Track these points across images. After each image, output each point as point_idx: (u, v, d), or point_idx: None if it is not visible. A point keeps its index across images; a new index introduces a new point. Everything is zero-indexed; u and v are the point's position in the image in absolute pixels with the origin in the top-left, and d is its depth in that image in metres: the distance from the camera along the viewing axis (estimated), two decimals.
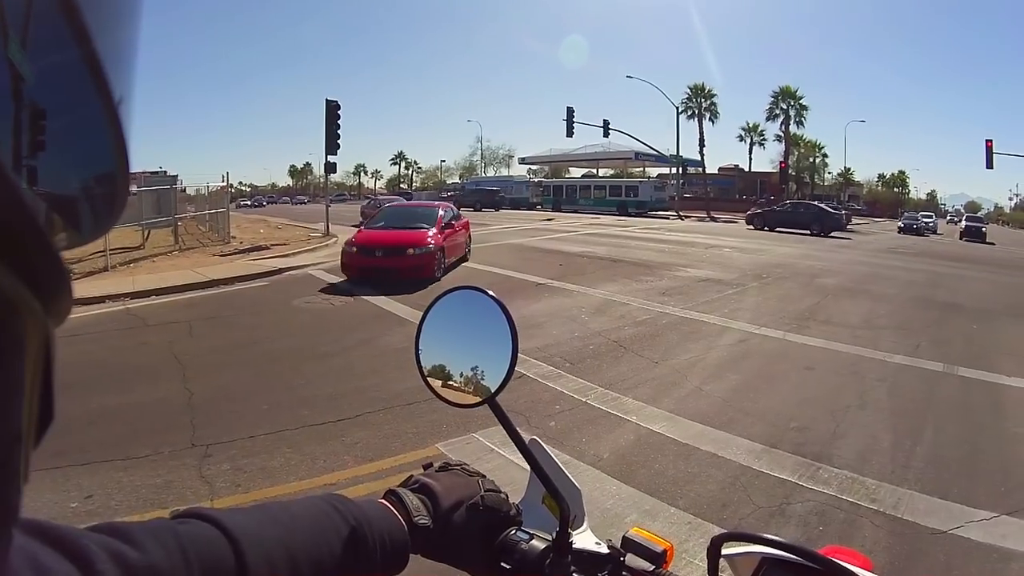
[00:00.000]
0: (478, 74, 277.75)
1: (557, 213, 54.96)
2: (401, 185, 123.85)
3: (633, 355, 9.35)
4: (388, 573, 0.96)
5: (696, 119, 75.49)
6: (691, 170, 76.84)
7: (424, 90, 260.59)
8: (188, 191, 31.10)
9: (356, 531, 0.91)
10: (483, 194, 59.43)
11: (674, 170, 68.86)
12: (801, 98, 78.11)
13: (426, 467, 1.18)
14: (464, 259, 18.91)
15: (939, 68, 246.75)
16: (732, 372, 8.63)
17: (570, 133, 52.32)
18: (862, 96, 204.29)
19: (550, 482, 1.09)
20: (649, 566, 1.10)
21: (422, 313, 1.16)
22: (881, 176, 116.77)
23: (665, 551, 1.10)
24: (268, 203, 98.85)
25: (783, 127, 79.43)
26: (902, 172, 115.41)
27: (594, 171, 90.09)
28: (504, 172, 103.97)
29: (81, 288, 12.63)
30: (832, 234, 39.19)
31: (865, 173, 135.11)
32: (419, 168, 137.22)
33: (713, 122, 77.21)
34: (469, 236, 20.04)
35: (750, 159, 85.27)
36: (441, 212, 18.00)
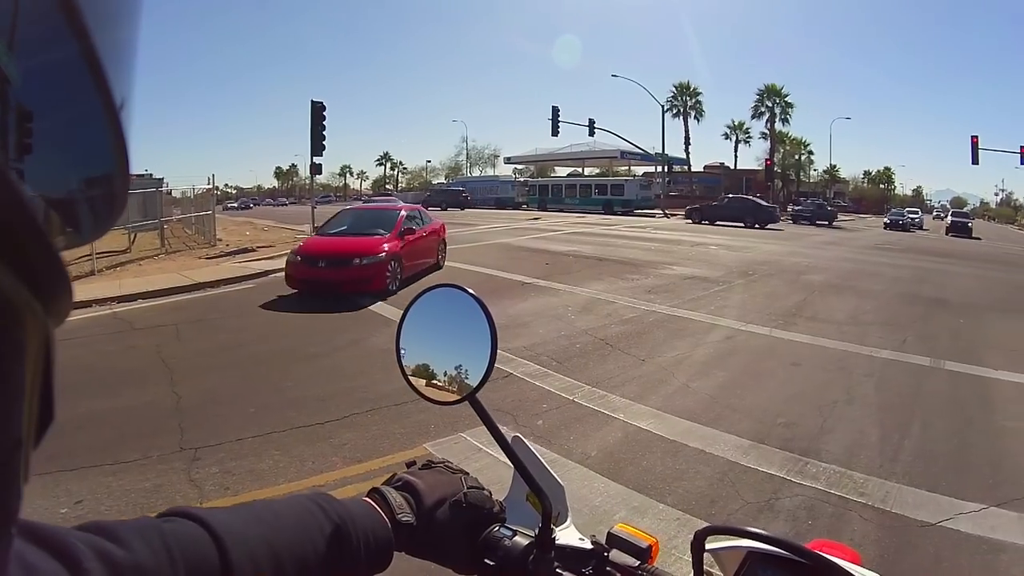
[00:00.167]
0: (464, 74, 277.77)
1: (543, 212, 55.24)
2: (387, 186, 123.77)
3: (620, 353, 9.36)
4: (372, 570, 0.96)
5: (682, 117, 75.86)
6: (677, 168, 77.16)
7: (409, 90, 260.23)
8: (174, 194, 31.02)
9: (340, 529, 0.91)
10: (448, 194, 64.25)
11: (660, 168, 68.92)
12: (786, 96, 78.47)
13: (409, 465, 1.18)
14: (436, 266, 17.40)
15: (924, 65, 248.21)
16: (719, 369, 8.65)
17: (555, 132, 52.40)
18: (848, 93, 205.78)
19: (531, 478, 1.10)
20: (634, 561, 1.10)
21: (402, 312, 1.16)
22: (867, 173, 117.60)
23: (650, 547, 1.11)
24: (254, 205, 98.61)
25: (768, 125, 79.72)
26: (888, 168, 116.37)
27: (580, 170, 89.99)
28: (490, 172, 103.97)
29: None
30: (768, 226, 41.96)
31: (851, 170, 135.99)
32: (405, 169, 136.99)
33: (699, 120, 77.72)
34: (443, 241, 18.40)
35: (736, 157, 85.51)
36: (403, 215, 16.31)
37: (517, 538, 1.10)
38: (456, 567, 1.10)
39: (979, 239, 45.83)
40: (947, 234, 48.88)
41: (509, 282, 15.39)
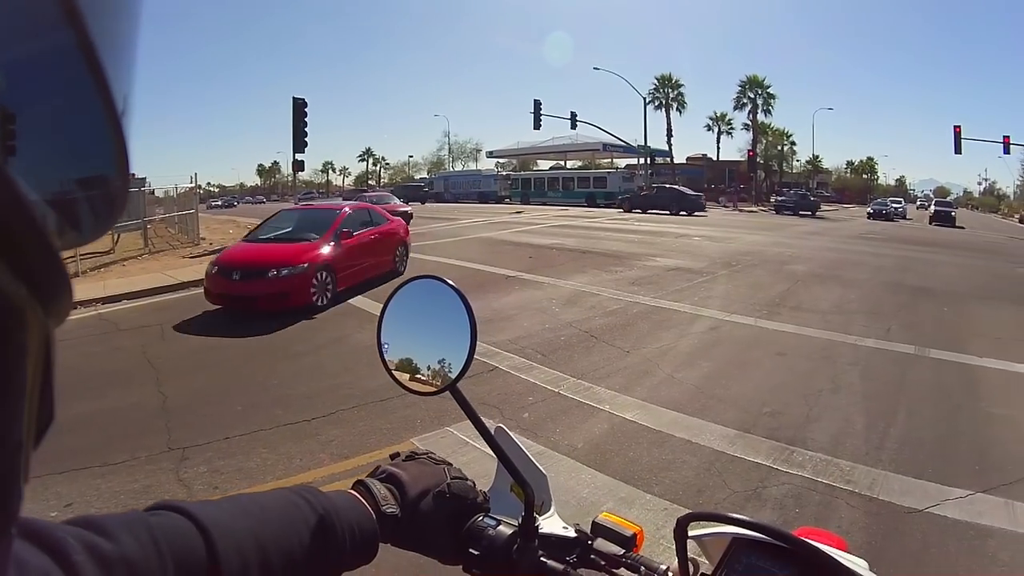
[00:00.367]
0: (446, 69, 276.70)
1: (526, 206, 55.76)
2: (369, 182, 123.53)
3: (605, 345, 9.39)
4: (359, 562, 0.97)
5: (664, 109, 75.72)
6: (659, 160, 77.07)
7: (391, 86, 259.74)
8: (156, 193, 30.77)
9: (325, 520, 0.92)
10: (408, 189, 68.13)
11: (642, 160, 68.99)
12: (769, 87, 78.45)
13: (393, 457, 1.19)
14: (394, 272, 15.34)
15: (907, 55, 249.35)
16: (704, 359, 8.69)
17: (537, 126, 52.33)
18: (830, 84, 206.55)
19: (514, 467, 1.11)
20: (619, 550, 1.11)
21: (383, 304, 1.17)
22: (850, 163, 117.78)
23: (635, 535, 1.12)
24: (237, 203, 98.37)
25: (751, 116, 79.73)
26: (871, 159, 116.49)
27: (562, 163, 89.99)
28: (472, 166, 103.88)
29: None
30: (695, 213, 44.31)
31: (834, 160, 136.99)
32: (387, 164, 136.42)
33: (681, 112, 77.48)
34: (402, 243, 16.25)
35: (718, 148, 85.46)
36: (345, 214, 14.28)
37: (501, 528, 1.10)
38: (441, 557, 1.11)
39: (962, 228, 46.15)
40: (930, 223, 49.17)
41: (493, 276, 15.39)
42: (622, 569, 1.10)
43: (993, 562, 4.27)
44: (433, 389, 1.09)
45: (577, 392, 7.38)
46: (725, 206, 60.79)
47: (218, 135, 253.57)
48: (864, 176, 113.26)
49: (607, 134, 63.77)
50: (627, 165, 75.40)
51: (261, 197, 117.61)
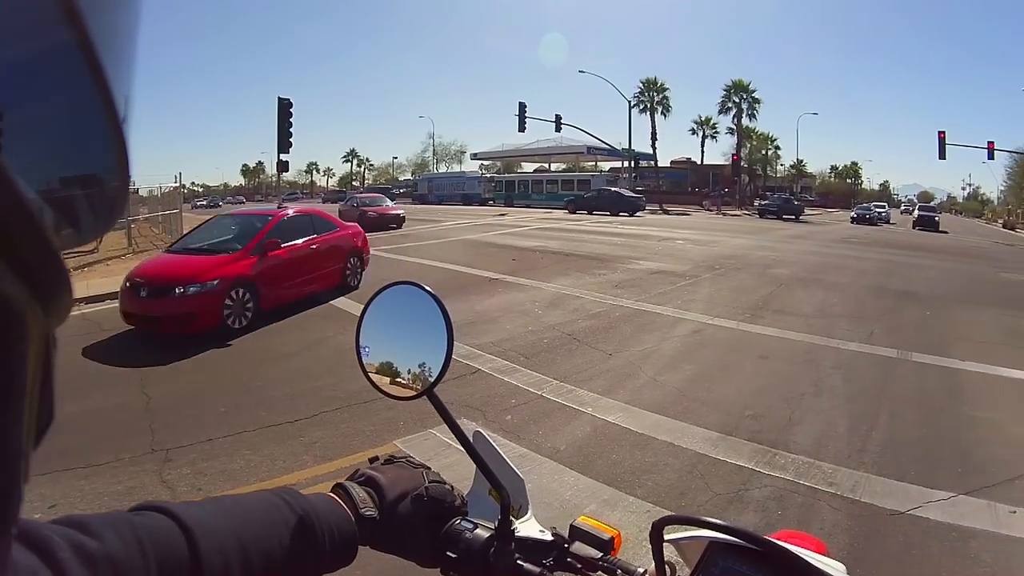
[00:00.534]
0: (431, 71, 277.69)
1: (509, 208, 55.96)
2: (353, 183, 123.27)
3: (587, 348, 9.40)
4: (338, 563, 0.98)
5: (648, 113, 75.60)
6: (643, 164, 77.26)
7: (376, 87, 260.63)
8: (141, 192, 30.66)
9: (304, 521, 0.93)
10: (375, 190, 72.90)
11: (626, 164, 69.11)
12: (753, 91, 78.48)
13: (372, 460, 1.20)
14: (344, 287, 13.70)
15: (891, 61, 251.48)
16: (687, 362, 8.72)
17: (522, 128, 52.32)
18: (815, 90, 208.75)
19: (490, 471, 1.12)
20: (597, 553, 1.12)
21: (361, 309, 1.18)
22: (834, 167, 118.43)
23: (612, 538, 1.12)
24: (222, 203, 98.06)
25: (735, 120, 79.74)
26: (855, 163, 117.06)
27: (546, 166, 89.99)
28: (456, 168, 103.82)
29: None
30: (636, 214, 46.59)
31: (818, 165, 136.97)
32: (371, 165, 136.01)
33: (665, 116, 77.25)
34: (356, 253, 14.49)
35: (702, 152, 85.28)
36: (273, 222, 12.44)
37: (478, 531, 1.11)
38: (419, 560, 1.12)
39: (946, 232, 46.31)
40: (914, 228, 49.32)
41: (476, 278, 15.39)
42: (599, 572, 1.10)
43: (976, 563, 4.31)
44: (411, 393, 1.10)
45: (560, 395, 7.39)
46: (709, 210, 60.90)
47: (202, 134, 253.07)
48: (848, 181, 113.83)
49: (592, 137, 64.23)
50: (611, 168, 75.55)
51: (242, 197, 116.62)
